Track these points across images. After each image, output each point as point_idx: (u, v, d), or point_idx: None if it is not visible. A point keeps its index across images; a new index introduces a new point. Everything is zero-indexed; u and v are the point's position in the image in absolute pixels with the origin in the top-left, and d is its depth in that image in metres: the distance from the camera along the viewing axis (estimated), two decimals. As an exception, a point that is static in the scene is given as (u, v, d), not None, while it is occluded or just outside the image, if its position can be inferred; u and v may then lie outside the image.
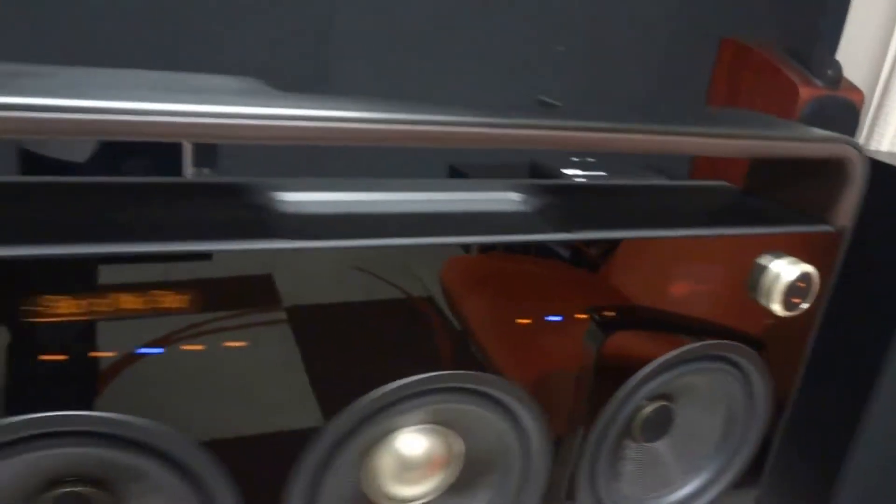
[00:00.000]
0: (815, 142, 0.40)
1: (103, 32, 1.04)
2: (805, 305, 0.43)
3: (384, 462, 0.39)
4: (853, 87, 1.53)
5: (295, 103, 0.28)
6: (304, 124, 0.27)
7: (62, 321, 0.28)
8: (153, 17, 1.09)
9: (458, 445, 0.40)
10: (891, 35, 1.49)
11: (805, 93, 1.42)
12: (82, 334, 0.28)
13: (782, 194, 0.47)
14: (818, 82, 1.45)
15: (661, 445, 0.48)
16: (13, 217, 0.30)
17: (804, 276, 0.42)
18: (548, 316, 0.37)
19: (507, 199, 0.40)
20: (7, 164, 0.96)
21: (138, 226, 0.30)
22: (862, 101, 1.48)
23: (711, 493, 0.49)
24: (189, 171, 0.94)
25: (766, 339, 0.45)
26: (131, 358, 0.29)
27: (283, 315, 0.31)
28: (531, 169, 0.97)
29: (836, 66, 1.48)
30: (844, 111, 1.48)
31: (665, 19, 1.51)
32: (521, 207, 0.40)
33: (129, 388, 0.30)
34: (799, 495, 0.79)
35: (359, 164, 1.05)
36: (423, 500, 0.41)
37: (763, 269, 0.42)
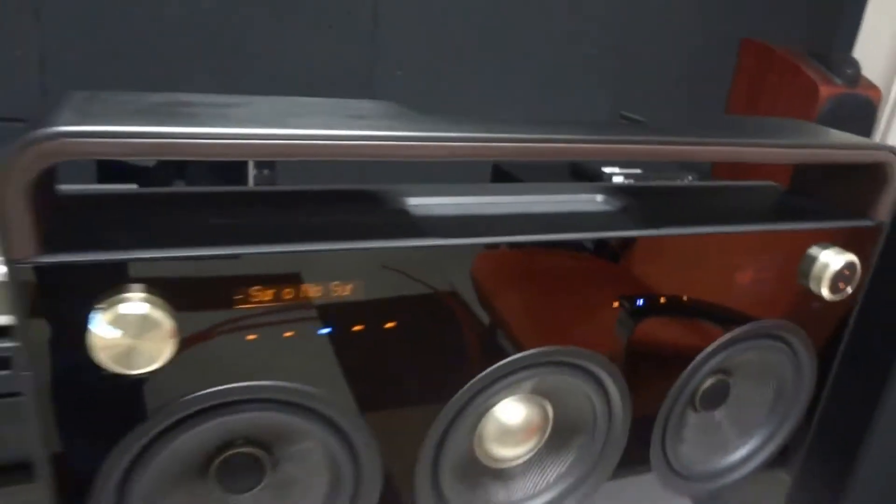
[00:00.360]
0: (861, 149, 0.46)
1: (167, 53, 1.11)
2: (849, 290, 0.49)
3: (490, 428, 0.45)
4: (871, 85, 1.57)
5: (446, 126, 0.34)
6: (456, 144, 0.34)
7: (262, 307, 0.34)
8: (210, 38, 1.15)
9: (551, 412, 0.47)
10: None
11: (825, 91, 1.48)
12: (273, 317, 0.35)
13: (826, 193, 0.53)
14: (838, 80, 1.50)
15: (718, 414, 0.54)
16: (206, 224, 0.36)
17: (849, 265, 0.48)
18: (632, 302, 0.43)
19: (594, 201, 0.46)
20: (83, 167, 1.03)
21: (312, 229, 0.36)
22: (879, 97, 1.54)
23: (761, 457, 0.55)
24: (251, 172, 1.01)
25: (813, 321, 0.51)
26: (309, 337, 0.36)
27: (418, 302, 0.38)
28: (571, 167, 1.03)
29: (855, 65, 1.53)
30: (863, 107, 1.53)
31: (687, 21, 1.56)
32: (607, 208, 0.46)
33: (301, 361, 0.36)
34: (822, 475, 0.86)
35: (412, 166, 1.11)
36: (520, 461, 0.48)
37: (813, 258, 0.49)
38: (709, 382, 0.52)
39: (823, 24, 1.76)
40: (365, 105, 0.38)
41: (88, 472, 0.34)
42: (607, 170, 1.01)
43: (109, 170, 0.99)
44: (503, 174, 1.01)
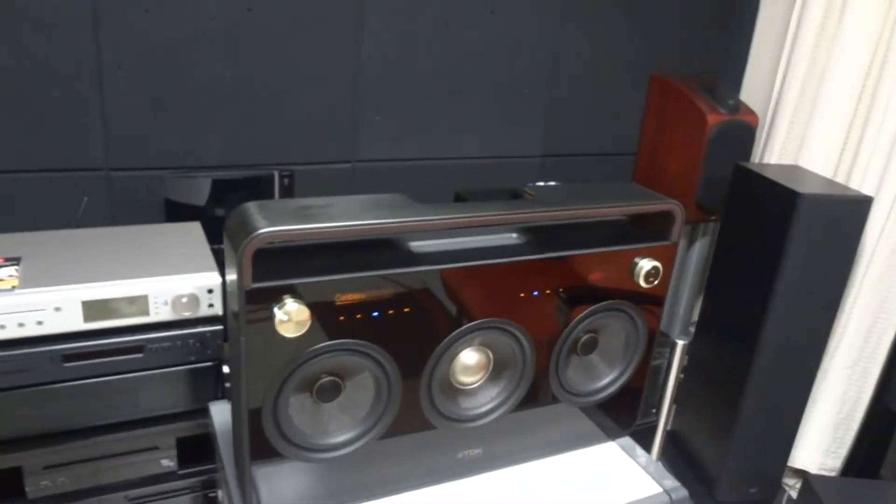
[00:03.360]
0: (658, 203, 0.84)
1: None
2: (656, 283, 0.88)
3: (458, 365, 0.83)
4: (750, 111, 1.99)
5: (436, 211, 0.71)
6: (442, 222, 0.71)
7: (347, 303, 0.71)
8: (227, 101, 1.50)
9: (492, 356, 0.85)
10: (777, 68, 1.95)
11: (711, 119, 1.88)
12: (354, 309, 0.72)
13: (649, 223, 0.91)
14: (722, 110, 1.91)
15: (592, 357, 0.92)
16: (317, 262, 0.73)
17: (654, 267, 0.87)
18: (535, 292, 0.81)
19: (512, 237, 0.84)
20: (157, 208, 1.38)
21: (375, 262, 0.73)
22: (757, 122, 1.95)
23: (620, 382, 0.94)
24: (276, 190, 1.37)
25: (639, 300, 0.90)
26: (368, 318, 0.73)
27: (424, 300, 0.75)
28: (511, 193, 1.40)
29: (736, 97, 1.94)
30: (743, 131, 1.94)
31: (609, 58, 1.93)
32: (518, 241, 0.84)
33: (366, 329, 0.73)
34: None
35: (385, 188, 1.48)
36: (475, 384, 0.85)
37: (636, 263, 0.87)
38: (584, 337, 0.90)
39: (719, 59, 2.17)
40: (388, 199, 0.75)
41: (263, 385, 0.71)
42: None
43: (177, 207, 1.34)
44: (464, 201, 1.39)
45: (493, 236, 0.84)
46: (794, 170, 1.76)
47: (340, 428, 0.79)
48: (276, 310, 0.67)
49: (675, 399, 1.93)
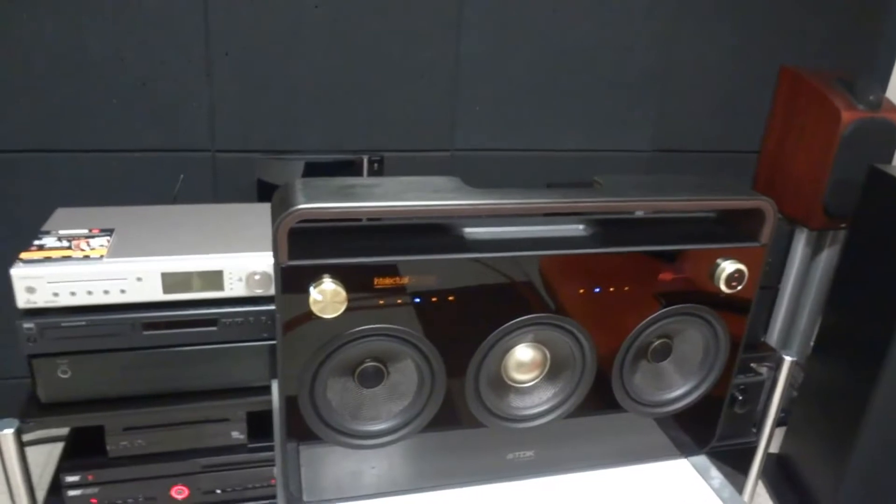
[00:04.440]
0: (747, 199, 0.76)
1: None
2: (739, 288, 0.79)
3: (511, 361, 0.78)
4: (894, 108, 1.78)
5: (486, 196, 0.67)
6: (491, 207, 0.67)
7: (386, 287, 0.68)
8: (327, 94, 1.52)
9: (549, 354, 0.79)
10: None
11: (847, 116, 1.70)
12: (393, 293, 0.69)
13: (735, 221, 0.82)
14: (860, 106, 1.72)
15: (664, 365, 0.85)
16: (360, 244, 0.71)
17: (738, 271, 0.78)
18: (596, 288, 0.75)
19: (578, 228, 0.78)
20: (250, 186, 1.42)
21: (412, 246, 0.70)
22: (902, 119, 1.74)
23: (696, 394, 0.86)
24: (365, 168, 1.37)
25: (721, 305, 0.81)
26: (409, 303, 0.70)
27: (471, 287, 0.71)
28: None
29: (878, 91, 1.74)
30: (883, 131, 1.74)
31: (732, 49, 1.80)
32: (585, 233, 0.78)
33: (407, 315, 0.71)
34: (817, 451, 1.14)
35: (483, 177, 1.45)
36: (530, 383, 0.80)
37: (717, 265, 0.79)
38: (657, 342, 0.83)
39: (862, 50, 1.96)
40: (439, 182, 0.72)
41: (301, 366, 0.69)
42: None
43: (266, 191, 1.37)
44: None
45: (556, 227, 0.79)
46: (939, 174, 1.55)
47: (383, 416, 0.76)
48: (311, 289, 0.66)
49: (785, 420, 1.76)
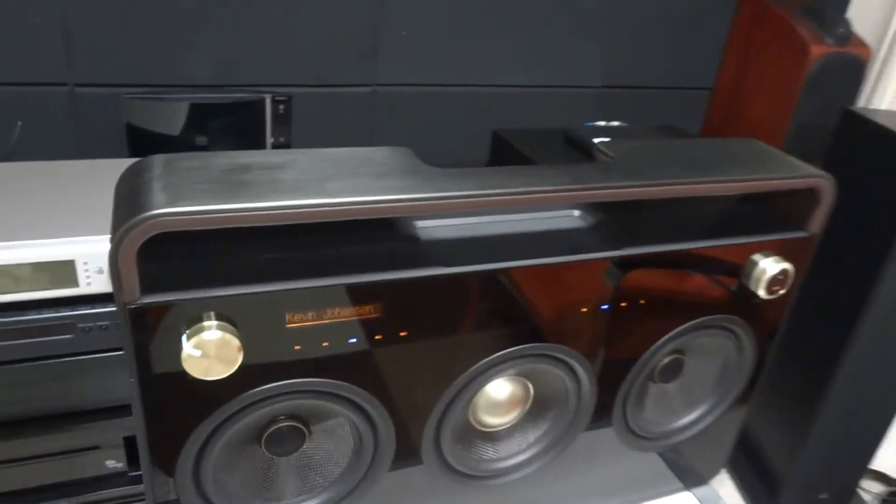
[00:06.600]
0: (798, 178, 0.55)
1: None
2: (783, 292, 0.59)
3: (482, 401, 0.56)
4: (861, 43, 1.62)
5: (459, 182, 0.43)
6: (467, 200, 0.43)
7: (303, 326, 0.44)
8: (217, 4, 1.20)
9: (532, 389, 0.58)
10: (899, -4, 1.58)
11: (815, 50, 1.53)
12: (315, 334, 0.45)
13: (774, 202, 0.62)
14: (828, 40, 1.55)
15: (672, 386, 0.65)
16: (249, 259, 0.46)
17: (783, 271, 0.58)
18: (603, 305, 0.54)
19: (572, 216, 0.55)
20: (119, 134, 1.12)
21: (342, 261, 0.46)
22: (869, 55, 1.58)
23: (706, 422, 0.67)
24: (269, 140, 1.09)
25: (755, 314, 0.62)
26: (342, 346, 0.46)
27: (425, 313, 0.48)
28: (565, 136, 1.10)
29: (846, 24, 1.57)
30: (851, 67, 1.58)
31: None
32: (582, 224, 0.55)
33: (337, 361, 0.47)
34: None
35: (418, 121, 1.20)
36: (505, 426, 0.59)
37: (755, 263, 0.58)
38: (666, 360, 0.63)
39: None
40: (385, 157, 0.47)
41: (176, 445, 0.45)
42: (595, 140, 1.08)
43: (142, 137, 1.07)
44: (503, 144, 1.09)
45: (543, 215, 0.56)
46: (924, 120, 1.40)
47: (304, 491, 0.53)
48: (184, 341, 0.41)
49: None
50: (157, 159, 0.43)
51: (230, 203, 0.39)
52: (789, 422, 1.46)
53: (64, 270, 0.76)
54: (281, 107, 1.09)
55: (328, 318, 0.45)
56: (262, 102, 1.08)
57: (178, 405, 0.44)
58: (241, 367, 0.43)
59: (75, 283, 0.77)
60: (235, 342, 0.42)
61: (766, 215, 0.61)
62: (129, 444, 0.89)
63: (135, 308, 0.40)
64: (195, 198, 0.39)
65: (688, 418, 0.67)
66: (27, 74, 1.10)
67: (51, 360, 0.79)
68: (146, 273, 0.40)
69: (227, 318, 0.42)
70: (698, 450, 0.69)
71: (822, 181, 0.57)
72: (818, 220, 0.59)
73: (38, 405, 0.82)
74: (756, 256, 0.58)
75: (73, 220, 0.79)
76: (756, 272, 0.58)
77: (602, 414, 0.61)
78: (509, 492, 0.61)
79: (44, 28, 1.08)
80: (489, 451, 0.59)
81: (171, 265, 0.43)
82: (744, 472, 1.57)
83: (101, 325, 0.79)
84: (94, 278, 0.77)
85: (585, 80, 1.53)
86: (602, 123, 1.24)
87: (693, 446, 0.68)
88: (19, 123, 1.02)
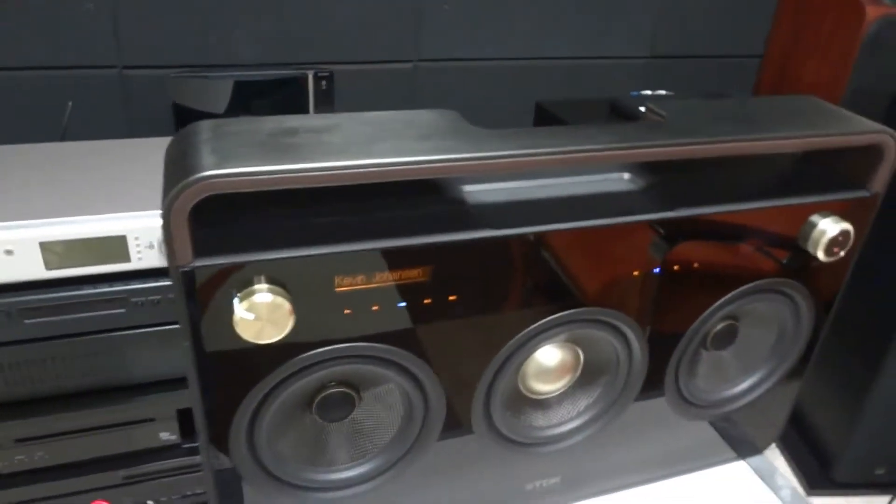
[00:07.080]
0: (861, 133, 0.53)
1: None
2: (842, 254, 0.57)
3: (531, 368, 0.56)
4: (924, 5, 1.55)
5: (505, 142, 0.43)
6: (498, 161, 0.42)
7: (352, 290, 0.44)
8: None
9: (582, 356, 0.57)
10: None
11: (872, 12, 1.46)
12: (364, 298, 0.45)
13: (832, 162, 0.59)
14: (886, 1, 1.48)
15: (726, 353, 0.63)
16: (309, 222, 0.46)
17: (844, 232, 0.56)
18: (654, 269, 0.52)
19: (622, 179, 0.54)
20: (166, 114, 1.13)
21: (392, 224, 0.46)
22: (930, 16, 1.51)
23: (761, 390, 0.65)
24: (311, 94, 1.10)
25: (813, 277, 0.60)
26: (391, 310, 0.46)
27: (474, 276, 0.47)
28: (611, 106, 1.08)
29: (906, -18, 1.50)
30: (911, 28, 1.51)
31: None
32: (632, 187, 0.54)
33: (387, 326, 0.47)
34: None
35: (460, 97, 1.18)
36: (555, 393, 0.58)
37: (813, 225, 0.56)
38: (720, 326, 0.61)
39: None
40: (432, 119, 0.47)
41: (230, 409, 0.46)
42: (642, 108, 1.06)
43: (187, 115, 1.09)
44: (546, 116, 1.08)
45: (591, 177, 0.55)
46: None
47: (355, 457, 0.54)
48: (236, 304, 0.41)
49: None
50: (205, 124, 0.43)
51: (279, 164, 0.39)
52: (842, 397, 1.42)
53: (116, 246, 0.78)
54: (323, 83, 1.09)
55: (377, 282, 0.45)
56: (304, 79, 1.08)
57: (231, 369, 0.44)
58: (291, 331, 0.43)
59: (127, 259, 0.79)
60: (287, 305, 0.42)
61: (824, 174, 0.59)
62: (183, 416, 0.91)
63: (187, 271, 0.40)
64: (244, 159, 0.39)
65: (742, 386, 0.65)
66: (78, 58, 1.13)
67: (104, 335, 0.81)
68: (198, 238, 0.40)
69: (279, 281, 0.42)
70: (751, 420, 0.67)
71: (886, 137, 0.54)
72: (881, 179, 0.57)
73: (92, 379, 0.84)
74: (815, 217, 0.56)
75: (123, 197, 0.81)
76: (815, 233, 0.56)
77: (653, 381, 0.60)
78: (558, 460, 0.61)
79: (94, 14, 1.10)
80: (539, 419, 0.59)
81: (222, 230, 0.43)
82: (796, 447, 1.54)
83: (152, 300, 0.81)
84: (145, 253, 0.79)
85: (631, 50, 1.50)
86: (648, 92, 1.21)
87: (746, 416, 0.66)
88: (70, 104, 1.04)
